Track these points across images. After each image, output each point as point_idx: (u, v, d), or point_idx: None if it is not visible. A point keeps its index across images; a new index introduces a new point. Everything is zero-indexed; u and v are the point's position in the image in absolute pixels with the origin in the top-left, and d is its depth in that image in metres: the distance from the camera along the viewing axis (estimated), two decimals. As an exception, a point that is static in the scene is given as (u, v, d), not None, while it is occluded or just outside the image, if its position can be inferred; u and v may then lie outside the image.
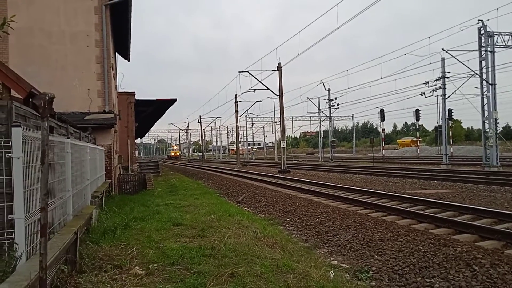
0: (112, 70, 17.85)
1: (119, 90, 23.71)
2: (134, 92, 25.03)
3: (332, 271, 6.23)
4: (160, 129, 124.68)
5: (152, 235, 7.71)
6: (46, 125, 3.16)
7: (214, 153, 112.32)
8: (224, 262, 5.80)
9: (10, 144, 3.55)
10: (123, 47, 22.27)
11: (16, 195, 3.48)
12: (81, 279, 4.94)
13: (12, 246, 3.43)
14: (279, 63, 31.35)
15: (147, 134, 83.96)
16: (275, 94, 33.24)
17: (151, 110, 30.03)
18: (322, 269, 6.15)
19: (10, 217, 3.50)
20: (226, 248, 6.59)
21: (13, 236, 3.49)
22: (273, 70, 32.38)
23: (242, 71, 34.33)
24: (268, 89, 34.34)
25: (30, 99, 6.01)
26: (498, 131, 27.33)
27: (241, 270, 5.39)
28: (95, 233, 7.50)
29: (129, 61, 25.03)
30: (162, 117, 36.45)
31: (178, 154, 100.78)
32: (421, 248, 7.09)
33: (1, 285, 2.97)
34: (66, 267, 5.00)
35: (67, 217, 6.04)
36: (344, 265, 6.98)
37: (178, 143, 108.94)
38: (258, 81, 34.26)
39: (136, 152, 38.05)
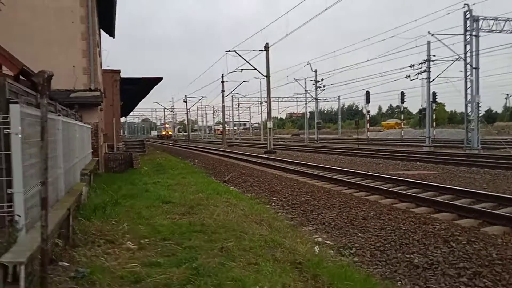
0: (98, 47, 17.61)
1: (104, 67, 23.40)
2: (119, 70, 24.74)
3: (317, 247, 6.49)
4: (145, 108, 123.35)
5: (142, 212, 7.85)
6: (45, 102, 3.24)
7: (199, 133, 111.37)
8: (214, 238, 5.99)
9: (8, 120, 3.61)
10: (108, 24, 21.87)
11: (15, 170, 3.56)
12: (75, 253, 5.08)
13: (13, 219, 3.54)
14: (267, 43, 31.20)
15: (131, 113, 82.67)
16: (262, 74, 33.17)
17: (137, 89, 29.72)
18: (307, 244, 6.41)
19: (9, 191, 3.60)
20: (216, 224, 6.79)
21: (12, 209, 3.60)
22: (260, 50, 32.20)
23: (229, 51, 34.06)
24: (255, 69, 34.24)
25: (20, 76, 6.01)
26: (480, 115, 27.90)
27: (231, 244, 5.60)
28: (86, 209, 7.60)
29: (114, 38, 24.65)
30: (147, 95, 36.10)
31: (170, 133, 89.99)
32: (402, 226, 7.41)
33: (6, 254, 3.10)
34: (60, 241, 5.12)
35: (59, 193, 6.14)
36: (328, 242, 7.26)
37: (166, 121, 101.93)
38: (245, 61, 34.10)
39: (121, 131, 37.73)
